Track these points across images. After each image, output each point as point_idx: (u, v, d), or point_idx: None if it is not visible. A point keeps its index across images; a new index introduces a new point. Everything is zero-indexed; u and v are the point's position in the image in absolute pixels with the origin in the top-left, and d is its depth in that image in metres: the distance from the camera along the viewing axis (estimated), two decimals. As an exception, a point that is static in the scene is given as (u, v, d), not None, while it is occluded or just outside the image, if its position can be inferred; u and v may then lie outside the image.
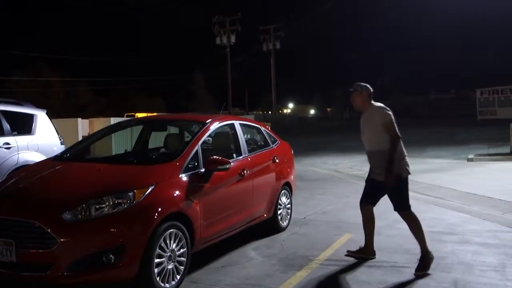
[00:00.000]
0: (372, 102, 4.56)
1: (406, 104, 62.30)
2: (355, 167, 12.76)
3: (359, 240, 5.31)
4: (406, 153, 4.48)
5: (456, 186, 8.80)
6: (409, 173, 4.42)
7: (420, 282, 4.03)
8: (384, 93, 72.76)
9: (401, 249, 4.99)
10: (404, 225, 6.07)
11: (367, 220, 4.74)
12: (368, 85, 4.57)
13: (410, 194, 4.54)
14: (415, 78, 75.51)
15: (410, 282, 4.04)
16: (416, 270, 4.24)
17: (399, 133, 4.36)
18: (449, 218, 6.40)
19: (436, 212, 6.80)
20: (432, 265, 4.33)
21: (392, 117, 4.42)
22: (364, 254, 4.68)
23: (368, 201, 4.69)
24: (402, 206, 4.45)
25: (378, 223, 6.14)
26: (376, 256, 4.68)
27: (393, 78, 72.98)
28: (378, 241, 5.23)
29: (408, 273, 4.23)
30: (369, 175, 4.68)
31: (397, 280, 4.09)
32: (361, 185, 9.43)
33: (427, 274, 4.19)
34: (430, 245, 5.04)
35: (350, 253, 4.71)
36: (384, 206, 7.32)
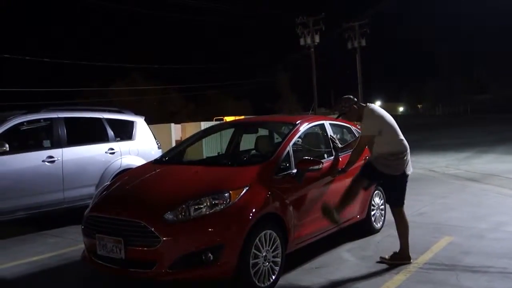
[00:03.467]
0: (364, 105, 4.63)
1: (506, 98, 57.52)
2: (452, 166, 12.07)
3: (460, 243, 5.02)
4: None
5: None
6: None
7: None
8: (481, 87, 67.51)
9: (510, 253, 4.62)
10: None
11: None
12: (349, 96, 4.71)
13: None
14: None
15: (522, 290, 3.73)
16: (381, 257, 4.52)
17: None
18: None
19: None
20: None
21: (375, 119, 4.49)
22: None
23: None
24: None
25: (481, 225, 5.77)
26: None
27: (491, 70, 67.11)
28: (483, 245, 4.91)
29: (519, 280, 3.91)
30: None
31: None
32: (459, 184, 9.06)
33: (390, 264, 4.39)
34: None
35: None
36: (486, 208, 6.90)
